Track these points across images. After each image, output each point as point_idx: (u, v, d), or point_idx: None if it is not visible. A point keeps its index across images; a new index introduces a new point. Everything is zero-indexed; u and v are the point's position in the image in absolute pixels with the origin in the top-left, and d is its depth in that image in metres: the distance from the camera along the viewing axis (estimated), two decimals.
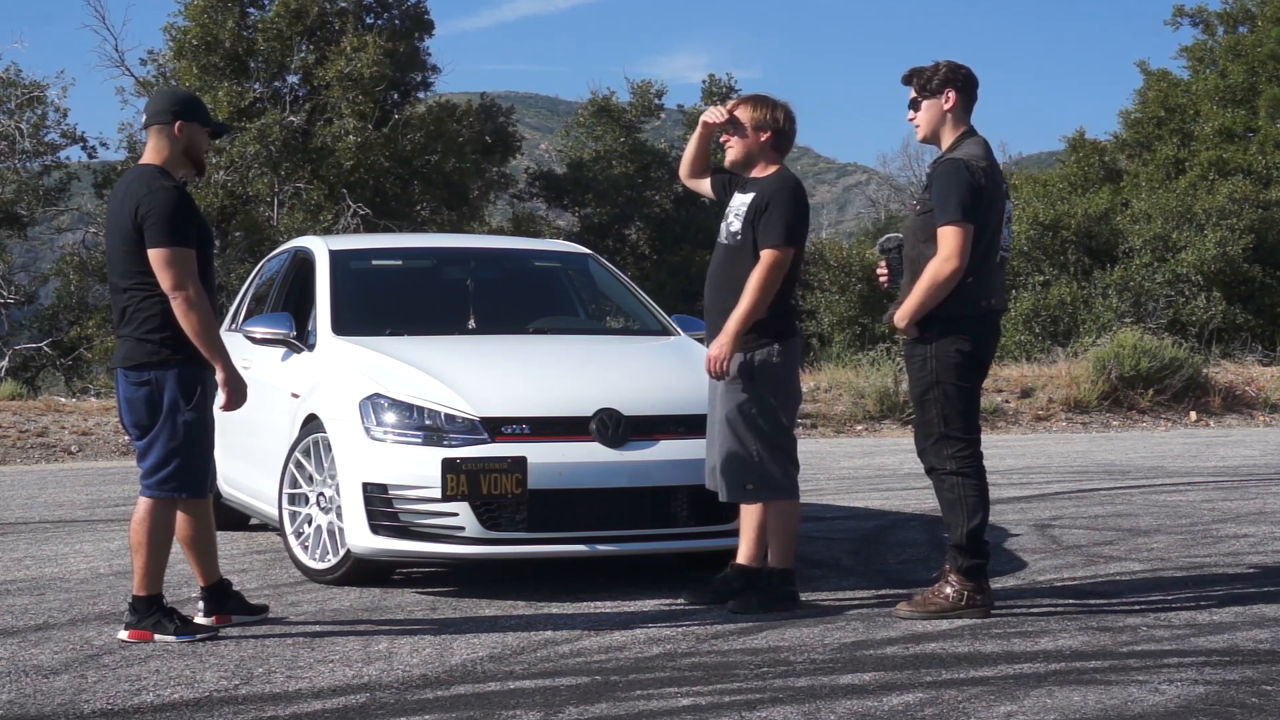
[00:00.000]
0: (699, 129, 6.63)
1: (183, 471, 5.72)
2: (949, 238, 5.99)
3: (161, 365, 5.69)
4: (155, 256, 5.64)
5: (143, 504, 5.75)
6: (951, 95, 6.19)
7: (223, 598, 6.06)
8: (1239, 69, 36.02)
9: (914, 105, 6.28)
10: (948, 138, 6.22)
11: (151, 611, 5.74)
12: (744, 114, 6.51)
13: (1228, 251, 29.15)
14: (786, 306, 6.44)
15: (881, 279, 6.47)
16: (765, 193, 6.41)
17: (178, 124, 5.81)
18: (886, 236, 6.47)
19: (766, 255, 6.31)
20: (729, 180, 6.71)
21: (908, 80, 6.30)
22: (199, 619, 5.97)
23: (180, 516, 5.88)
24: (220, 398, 5.80)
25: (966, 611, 6.07)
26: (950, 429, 6.11)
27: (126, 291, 5.74)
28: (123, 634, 5.77)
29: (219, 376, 5.73)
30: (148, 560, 5.72)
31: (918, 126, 6.29)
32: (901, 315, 6.10)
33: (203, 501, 5.92)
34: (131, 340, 5.73)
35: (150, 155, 5.85)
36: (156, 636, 5.71)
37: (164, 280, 5.64)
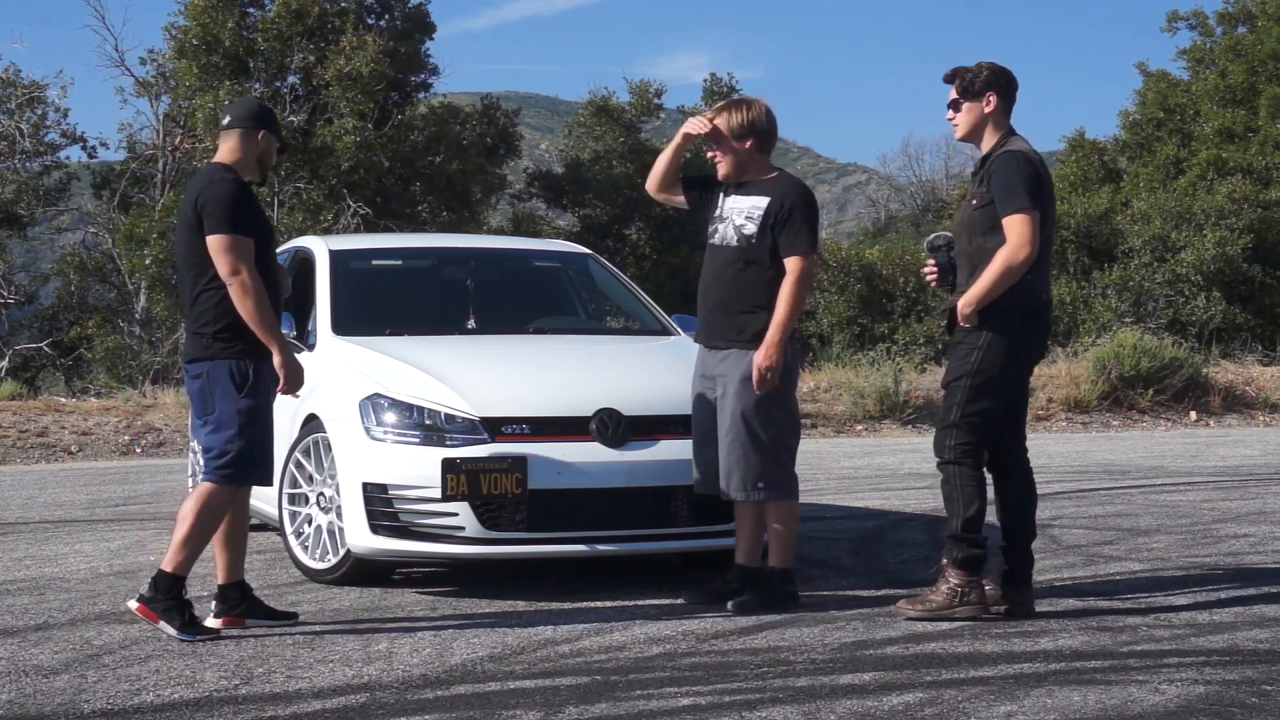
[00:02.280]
0: (677, 140, 6.58)
1: (242, 459, 5.80)
2: (1019, 225, 5.96)
3: (213, 358, 5.82)
4: (213, 242, 5.76)
5: (202, 486, 5.82)
6: (993, 99, 6.19)
7: (236, 599, 6.02)
8: (1239, 69, 36.00)
9: (954, 105, 6.27)
10: (989, 139, 6.23)
11: (171, 595, 5.75)
12: (721, 124, 6.48)
13: (1227, 251, 29.15)
14: None
15: (930, 278, 6.42)
16: (783, 198, 6.40)
17: (262, 132, 5.99)
18: (935, 235, 6.41)
19: (799, 262, 6.35)
20: (705, 184, 6.68)
21: (950, 79, 6.30)
22: (210, 621, 5.95)
23: None
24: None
25: (964, 608, 6.05)
26: (966, 417, 6.08)
27: (189, 284, 5.88)
28: (132, 603, 5.82)
29: (275, 360, 5.83)
30: (188, 535, 5.74)
31: (956, 125, 6.29)
32: (967, 302, 6.05)
33: (241, 491, 5.95)
34: (190, 335, 5.92)
35: (224, 155, 6.01)
36: (161, 624, 5.73)
37: (221, 265, 5.75)
